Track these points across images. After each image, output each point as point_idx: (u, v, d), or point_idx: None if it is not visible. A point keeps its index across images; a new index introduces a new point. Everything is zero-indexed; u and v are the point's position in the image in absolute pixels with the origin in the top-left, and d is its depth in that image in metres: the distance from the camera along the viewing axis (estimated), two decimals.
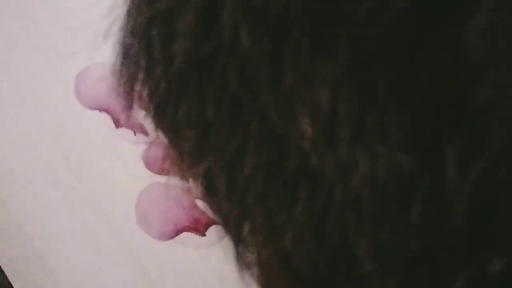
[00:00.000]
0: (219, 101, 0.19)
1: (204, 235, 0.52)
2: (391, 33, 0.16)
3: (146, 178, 0.53)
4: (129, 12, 0.23)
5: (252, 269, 0.23)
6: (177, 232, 0.52)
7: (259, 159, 0.19)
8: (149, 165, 0.53)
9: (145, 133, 0.54)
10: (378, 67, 0.17)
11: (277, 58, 0.18)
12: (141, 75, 0.22)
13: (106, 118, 0.54)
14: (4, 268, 0.51)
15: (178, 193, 0.53)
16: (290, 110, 0.18)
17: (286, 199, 0.19)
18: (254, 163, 0.19)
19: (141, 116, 0.51)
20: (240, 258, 0.23)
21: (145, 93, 0.22)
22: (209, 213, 0.53)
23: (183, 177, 0.24)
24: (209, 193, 0.22)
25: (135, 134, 0.54)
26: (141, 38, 0.22)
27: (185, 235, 0.52)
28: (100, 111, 0.55)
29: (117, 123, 0.54)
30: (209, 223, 0.52)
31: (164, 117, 0.22)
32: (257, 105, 0.18)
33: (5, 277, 0.51)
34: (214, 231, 0.52)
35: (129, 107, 0.24)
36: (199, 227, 0.52)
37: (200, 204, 0.53)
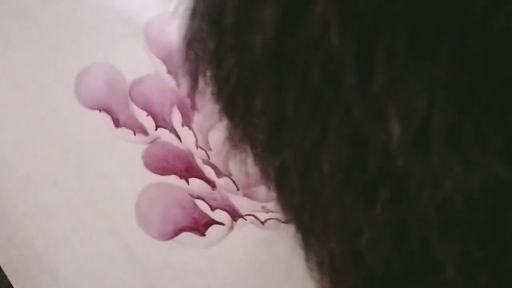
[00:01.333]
0: (299, 95, 0.19)
1: (204, 235, 0.52)
2: (498, 41, 0.16)
3: (146, 178, 0.53)
4: None
5: (321, 264, 0.23)
6: (177, 232, 0.52)
7: (339, 156, 0.18)
8: (149, 165, 0.53)
9: (145, 133, 0.54)
10: (481, 74, 0.16)
11: (367, 56, 0.17)
12: (208, 60, 0.22)
13: (106, 118, 0.54)
14: (4, 268, 0.51)
15: (178, 193, 0.53)
16: (377, 111, 0.17)
17: (364, 198, 0.19)
18: (333, 160, 0.19)
19: (141, 116, 0.51)
20: (309, 253, 0.22)
21: (211, 77, 0.22)
22: (209, 213, 0.53)
23: (243, 162, 0.23)
24: (280, 185, 0.22)
25: (135, 134, 0.54)
26: (212, 23, 0.21)
27: (185, 235, 0.52)
28: (100, 111, 0.55)
29: (117, 123, 0.54)
30: (209, 223, 0.52)
31: (234, 105, 0.22)
32: (340, 102, 0.18)
33: (5, 277, 0.51)
34: (214, 231, 0.52)
35: (194, 89, 0.23)
36: (199, 227, 0.52)
37: (200, 204, 0.53)
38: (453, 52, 0.16)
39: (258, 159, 0.22)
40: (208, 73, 0.22)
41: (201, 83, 0.23)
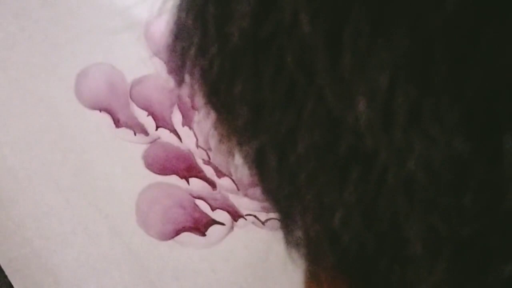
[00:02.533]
0: (275, 80, 0.20)
1: (204, 235, 0.52)
2: (451, 21, 0.16)
3: (146, 178, 0.53)
4: None
5: (300, 246, 0.23)
6: (177, 232, 0.52)
7: (313, 139, 0.19)
8: (149, 165, 0.53)
9: (145, 133, 0.54)
10: (437, 53, 0.17)
11: (335, 41, 0.18)
12: (194, 52, 0.22)
13: (106, 118, 0.54)
14: (4, 268, 0.51)
15: (178, 193, 0.53)
16: (347, 92, 0.18)
17: (337, 179, 0.19)
18: (307, 142, 0.19)
19: (141, 116, 0.51)
20: (288, 235, 0.23)
21: (197, 69, 0.23)
22: (209, 213, 0.53)
23: (230, 154, 0.24)
24: (260, 170, 0.22)
25: (135, 134, 0.54)
26: (196, 16, 0.22)
27: (185, 235, 0.52)
28: (100, 111, 0.55)
29: (117, 123, 0.54)
30: (209, 223, 0.52)
31: (217, 94, 0.22)
32: (313, 86, 0.19)
33: (5, 277, 0.51)
34: (214, 231, 0.52)
35: (180, 82, 0.24)
36: (199, 227, 0.52)
37: (201, 204, 0.53)
38: (410, 32, 0.17)
39: (240, 146, 0.22)
40: (194, 66, 0.23)
41: (187, 77, 0.23)
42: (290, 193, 0.21)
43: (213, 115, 0.23)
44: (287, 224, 0.23)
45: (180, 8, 0.23)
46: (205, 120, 0.24)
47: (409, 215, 0.18)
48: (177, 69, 0.24)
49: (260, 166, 0.22)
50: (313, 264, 0.24)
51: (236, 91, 0.21)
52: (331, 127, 0.19)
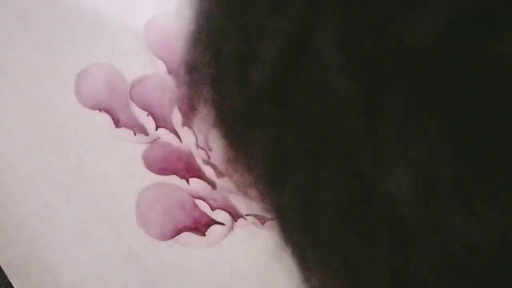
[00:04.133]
0: (298, 134, 0.18)
1: (204, 235, 0.52)
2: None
3: (146, 178, 0.53)
4: (200, 19, 0.21)
5: None
6: (177, 232, 0.52)
7: (337, 197, 0.18)
8: (149, 165, 0.53)
9: (145, 133, 0.54)
10: (491, 131, 0.15)
11: (372, 105, 0.17)
12: (209, 85, 0.21)
13: (106, 118, 0.54)
14: (4, 268, 0.51)
15: (178, 193, 0.53)
16: (382, 159, 0.17)
17: (364, 243, 0.18)
18: (330, 200, 0.18)
19: (141, 116, 0.51)
20: (304, 281, 0.22)
21: (212, 104, 0.21)
22: (209, 213, 0.53)
23: (241, 188, 0.23)
24: (281, 220, 0.21)
25: (135, 134, 0.54)
26: (214, 52, 0.20)
27: (185, 235, 0.52)
28: (100, 111, 0.55)
29: (117, 123, 0.54)
30: (209, 223, 0.52)
31: (235, 135, 0.21)
32: (341, 145, 0.17)
33: (5, 277, 0.51)
34: (214, 231, 0.52)
35: (194, 111, 0.23)
36: (199, 227, 0.52)
37: (201, 204, 0.53)
38: (455, 107, 0.16)
39: (259, 194, 0.21)
40: (209, 99, 0.21)
41: (200, 107, 0.22)
42: (310, 245, 0.20)
43: (227, 149, 0.22)
44: (304, 272, 0.22)
45: (195, 38, 0.21)
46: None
47: None
48: (190, 100, 0.23)
49: (281, 217, 0.21)
50: None
51: (254, 136, 0.19)
52: (359, 188, 0.17)
